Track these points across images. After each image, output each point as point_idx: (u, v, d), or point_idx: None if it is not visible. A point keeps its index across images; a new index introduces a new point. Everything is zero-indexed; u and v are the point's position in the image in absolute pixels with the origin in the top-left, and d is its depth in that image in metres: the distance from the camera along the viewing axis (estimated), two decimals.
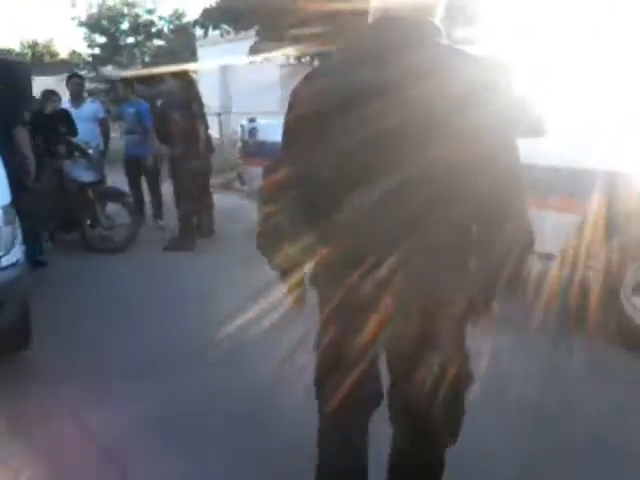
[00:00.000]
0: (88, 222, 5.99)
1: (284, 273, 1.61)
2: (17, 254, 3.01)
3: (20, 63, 3.57)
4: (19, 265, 2.99)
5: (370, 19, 1.49)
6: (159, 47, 20.61)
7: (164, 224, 7.07)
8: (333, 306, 1.53)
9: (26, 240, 4.61)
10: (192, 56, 18.67)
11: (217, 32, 9.15)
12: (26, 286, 3.07)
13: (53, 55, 30.39)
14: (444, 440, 1.65)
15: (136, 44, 19.81)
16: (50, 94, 6.30)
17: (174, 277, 5.06)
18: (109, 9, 19.43)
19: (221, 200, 6.96)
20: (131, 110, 6.94)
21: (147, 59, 20.04)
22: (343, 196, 1.46)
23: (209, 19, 9.08)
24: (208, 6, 9.03)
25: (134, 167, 7.07)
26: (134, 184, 7.14)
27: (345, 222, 1.47)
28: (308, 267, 1.59)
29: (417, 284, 1.44)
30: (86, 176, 5.99)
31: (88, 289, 4.79)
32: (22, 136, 5.25)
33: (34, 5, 47.13)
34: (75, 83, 7.14)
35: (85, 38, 20.29)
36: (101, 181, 6.15)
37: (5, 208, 3.03)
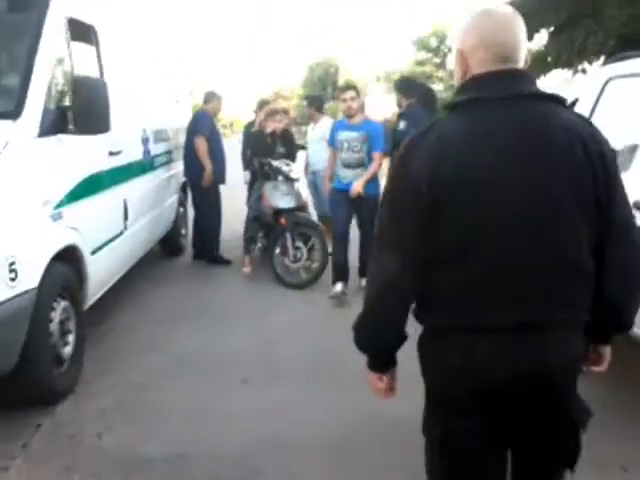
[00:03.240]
0: (277, 250, 5.60)
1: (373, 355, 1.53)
2: None
3: (97, 81, 3.32)
4: None
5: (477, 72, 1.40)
6: None
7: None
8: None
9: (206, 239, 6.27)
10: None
11: None
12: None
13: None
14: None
15: None
16: (273, 113, 6.07)
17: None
18: (439, 27, 19.33)
19: None
20: (353, 135, 4.95)
21: None
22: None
23: None
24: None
25: (346, 202, 5.11)
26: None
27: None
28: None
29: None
30: (281, 201, 5.60)
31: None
32: (200, 146, 5.88)
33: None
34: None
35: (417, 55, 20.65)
36: (298, 209, 5.68)
37: None
